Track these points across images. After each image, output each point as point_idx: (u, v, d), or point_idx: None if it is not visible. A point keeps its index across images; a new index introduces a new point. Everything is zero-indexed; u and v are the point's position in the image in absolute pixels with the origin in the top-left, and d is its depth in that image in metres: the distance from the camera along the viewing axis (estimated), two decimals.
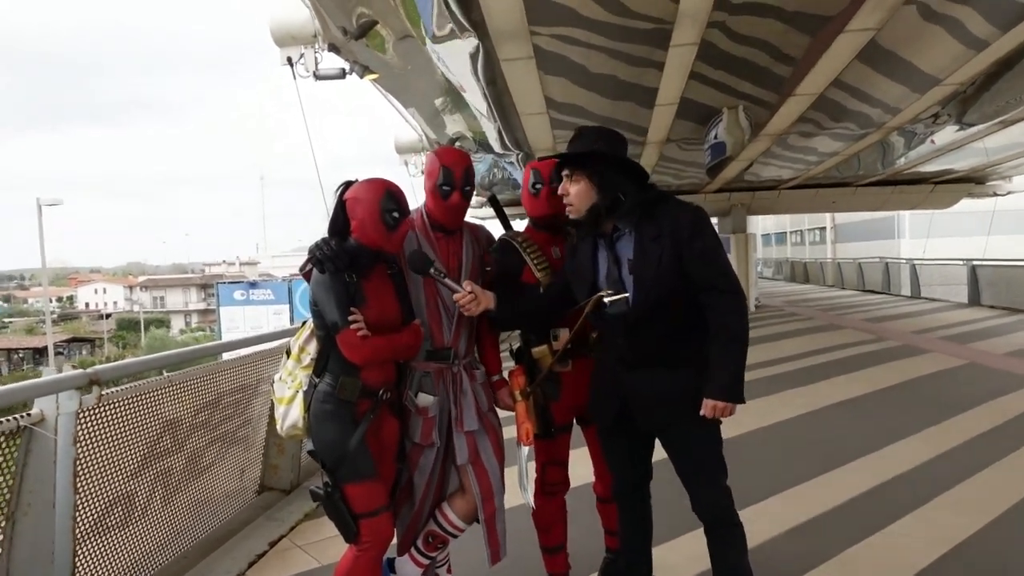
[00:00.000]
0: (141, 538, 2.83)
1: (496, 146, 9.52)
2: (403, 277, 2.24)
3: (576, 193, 2.14)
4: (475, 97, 7.39)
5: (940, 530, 3.20)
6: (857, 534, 3.17)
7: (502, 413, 2.48)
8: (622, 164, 2.15)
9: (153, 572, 2.89)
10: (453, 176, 2.25)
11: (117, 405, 2.64)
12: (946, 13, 5.12)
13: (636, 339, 2.12)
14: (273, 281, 25.45)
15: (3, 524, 2.27)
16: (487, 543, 2.34)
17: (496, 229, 2.62)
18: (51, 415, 2.36)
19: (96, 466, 2.55)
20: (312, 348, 2.15)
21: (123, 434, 2.69)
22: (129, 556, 2.75)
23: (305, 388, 2.12)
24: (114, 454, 2.64)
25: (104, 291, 71.02)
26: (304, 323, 2.23)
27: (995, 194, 16.10)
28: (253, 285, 23.44)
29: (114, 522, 2.68)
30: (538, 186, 2.45)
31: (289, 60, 8.28)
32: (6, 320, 62.60)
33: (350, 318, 2.01)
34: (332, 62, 8.14)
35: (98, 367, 2.56)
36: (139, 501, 2.82)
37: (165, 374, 3.10)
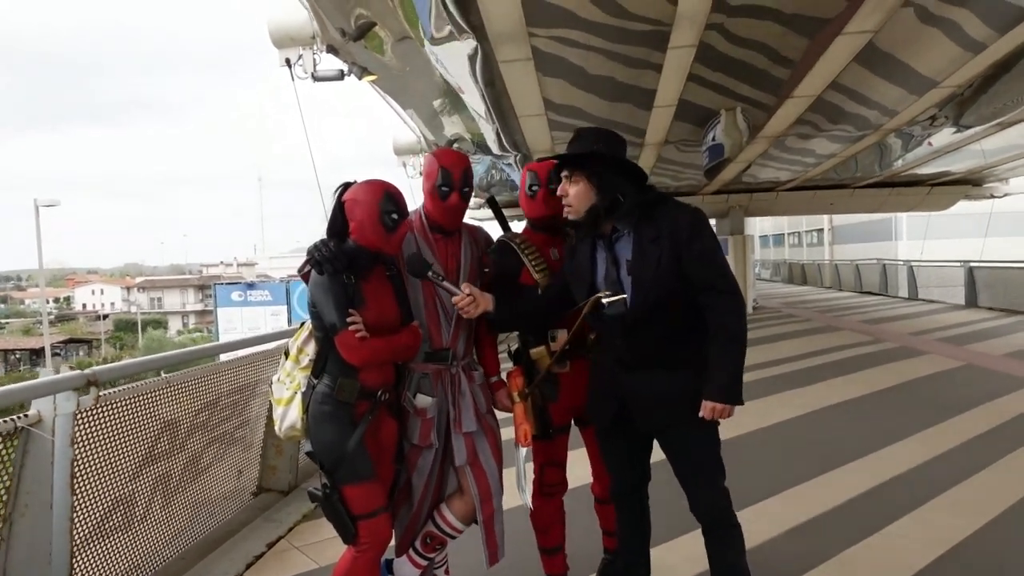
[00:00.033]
0: (138, 539, 2.83)
1: (494, 148, 9.52)
2: (402, 278, 2.24)
3: (575, 194, 2.14)
4: (473, 99, 7.39)
5: (938, 531, 3.21)
6: (855, 535, 3.18)
7: (500, 414, 2.48)
8: (621, 165, 2.15)
9: (151, 574, 2.88)
10: (451, 177, 2.26)
11: (115, 406, 2.64)
12: (944, 16, 5.14)
13: (634, 340, 2.13)
14: (271, 282, 25.43)
15: (0, 526, 2.26)
16: (485, 544, 2.34)
17: (495, 230, 2.63)
18: (48, 416, 2.36)
19: (93, 467, 2.54)
20: (311, 349, 2.15)
21: (120, 435, 2.68)
22: (126, 557, 2.75)
23: (303, 389, 2.12)
24: (111, 455, 2.64)
25: (101, 292, 70.91)
26: (302, 324, 2.23)
27: (992, 196, 16.14)
28: (251, 286, 23.44)
29: (112, 523, 2.67)
30: (535, 188, 2.45)
31: (287, 61, 8.26)
32: (3, 321, 62.53)
33: (348, 319, 2.01)
34: (330, 63, 8.12)
35: (96, 368, 2.55)
36: (136, 502, 2.81)
37: (163, 375, 3.10)
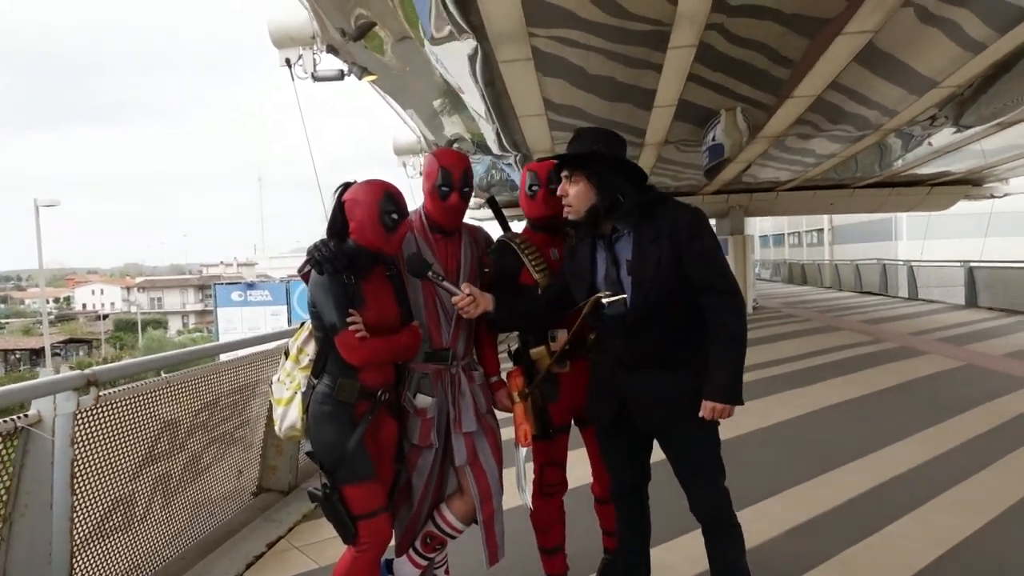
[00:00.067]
0: (138, 539, 2.83)
1: (494, 148, 9.52)
2: (402, 278, 2.24)
3: (575, 194, 2.14)
4: (473, 99, 7.39)
5: (937, 531, 3.21)
6: (855, 535, 3.18)
7: (500, 414, 2.48)
8: (621, 165, 2.15)
9: (151, 574, 2.88)
10: (452, 177, 2.26)
11: (115, 406, 2.64)
12: (944, 16, 5.14)
13: (634, 340, 2.12)
14: (271, 282, 25.44)
15: (0, 525, 2.26)
16: (485, 544, 2.34)
17: (495, 230, 2.63)
18: (48, 416, 2.36)
19: (93, 467, 2.54)
20: (311, 349, 2.15)
21: (120, 435, 2.68)
22: (126, 557, 2.75)
23: (303, 389, 2.12)
24: (111, 455, 2.64)
25: (101, 292, 70.91)
26: (303, 324, 2.23)
27: (992, 196, 16.15)
28: (251, 286, 23.44)
29: (112, 523, 2.67)
30: (534, 188, 2.45)
31: (287, 61, 8.26)
32: (3, 321, 62.53)
33: (348, 319, 2.01)
34: (330, 63, 8.12)
35: (96, 368, 2.55)
36: (136, 502, 2.81)
37: (163, 375, 3.10)
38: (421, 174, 2.42)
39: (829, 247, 33.09)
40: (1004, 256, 15.88)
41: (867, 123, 8.22)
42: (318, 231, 2.42)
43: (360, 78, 7.73)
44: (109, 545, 2.65)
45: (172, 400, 2.99)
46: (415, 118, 10.14)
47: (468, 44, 5.60)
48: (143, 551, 2.85)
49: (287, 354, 2.21)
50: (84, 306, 69.01)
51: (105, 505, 2.62)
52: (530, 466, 2.47)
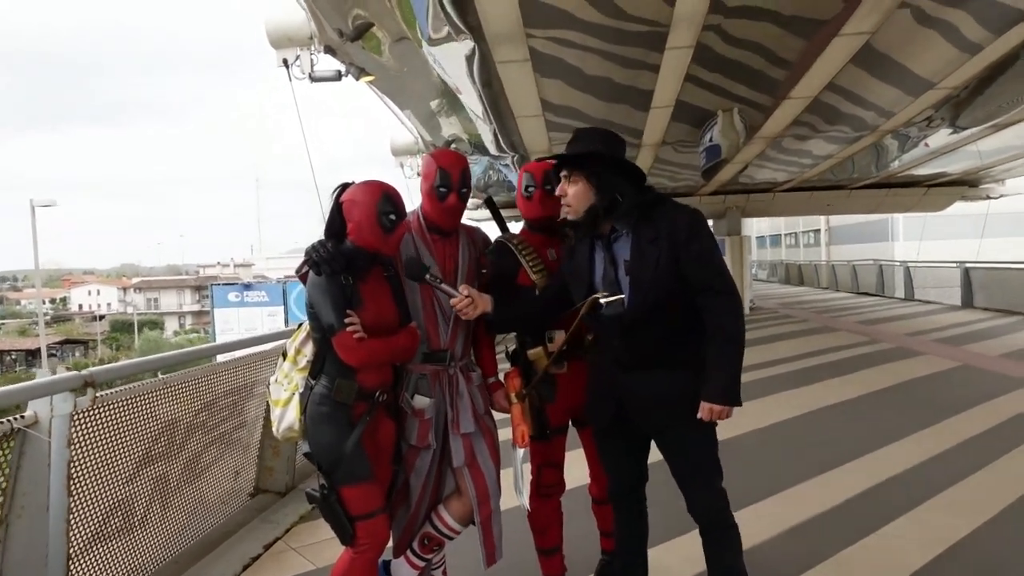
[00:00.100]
0: (135, 541, 2.81)
1: (492, 148, 9.53)
2: (400, 279, 2.24)
3: (574, 194, 2.14)
4: (471, 99, 7.40)
5: (934, 531, 3.21)
6: (852, 535, 3.18)
7: (498, 415, 2.48)
8: (620, 165, 2.16)
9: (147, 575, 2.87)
10: (449, 178, 2.26)
11: (112, 407, 2.63)
12: (940, 17, 5.16)
13: (632, 341, 2.13)
14: (268, 283, 25.41)
15: None
16: (483, 545, 2.34)
17: (492, 231, 2.63)
18: (45, 417, 2.35)
19: (90, 469, 2.54)
20: (308, 350, 2.15)
21: (118, 437, 2.67)
22: (123, 558, 2.74)
23: (301, 390, 2.12)
24: (108, 457, 2.63)
25: (98, 292, 70.66)
26: (300, 325, 2.23)
27: (988, 197, 16.22)
28: (248, 287, 23.40)
29: (109, 525, 2.66)
30: (531, 189, 2.45)
31: (285, 62, 8.26)
32: None
33: (346, 320, 2.01)
34: (328, 64, 8.13)
35: (93, 369, 2.54)
36: (134, 504, 2.80)
37: (160, 376, 3.09)
38: (419, 175, 2.42)
39: (826, 248, 33.18)
40: (1000, 257, 15.92)
41: (864, 124, 8.24)
42: (316, 232, 2.41)
43: (358, 79, 7.74)
44: (106, 547, 2.64)
45: (169, 401, 2.98)
46: (413, 119, 10.14)
47: (466, 45, 5.61)
48: (139, 552, 2.83)
49: (285, 355, 2.21)
50: (80, 307, 68.77)
51: (102, 507, 2.61)
52: (527, 467, 2.47)
